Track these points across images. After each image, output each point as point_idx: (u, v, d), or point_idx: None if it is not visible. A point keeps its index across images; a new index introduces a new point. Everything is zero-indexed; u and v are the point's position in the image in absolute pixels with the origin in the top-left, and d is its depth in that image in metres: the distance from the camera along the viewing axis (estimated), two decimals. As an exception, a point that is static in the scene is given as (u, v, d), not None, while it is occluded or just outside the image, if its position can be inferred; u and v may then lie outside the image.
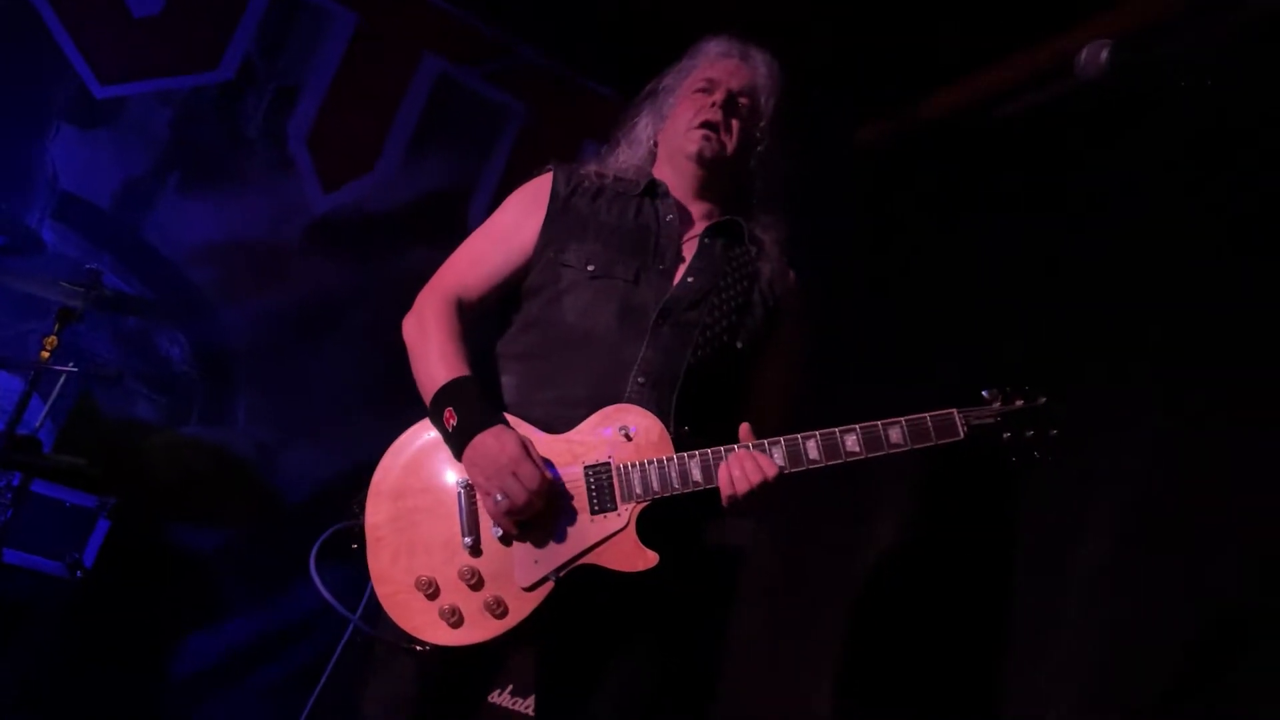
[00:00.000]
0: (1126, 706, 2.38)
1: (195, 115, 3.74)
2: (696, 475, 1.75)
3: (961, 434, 1.74)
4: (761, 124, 2.02)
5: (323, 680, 1.94)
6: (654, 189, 2.02)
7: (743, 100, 2.01)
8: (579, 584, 1.74)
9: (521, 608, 1.72)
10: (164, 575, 3.59)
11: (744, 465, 1.72)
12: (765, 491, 1.72)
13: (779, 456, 1.75)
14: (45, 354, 2.98)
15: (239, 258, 3.78)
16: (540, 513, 1.74)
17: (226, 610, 3.73)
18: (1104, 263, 2.74)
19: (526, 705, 3.13)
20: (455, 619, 1.71)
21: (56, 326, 3.00)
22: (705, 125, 1.97)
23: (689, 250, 1.97)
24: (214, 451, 3.75)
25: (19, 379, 3.08)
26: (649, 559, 1.73)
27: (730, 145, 1.99)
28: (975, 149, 3.33)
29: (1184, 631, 2.34)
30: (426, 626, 1.72)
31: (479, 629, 1.71)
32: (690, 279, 1.93)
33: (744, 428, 1.78)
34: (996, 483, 2.91)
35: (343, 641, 1.70)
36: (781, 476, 1.73)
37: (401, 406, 1.91)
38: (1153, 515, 2.51)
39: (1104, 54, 1.42)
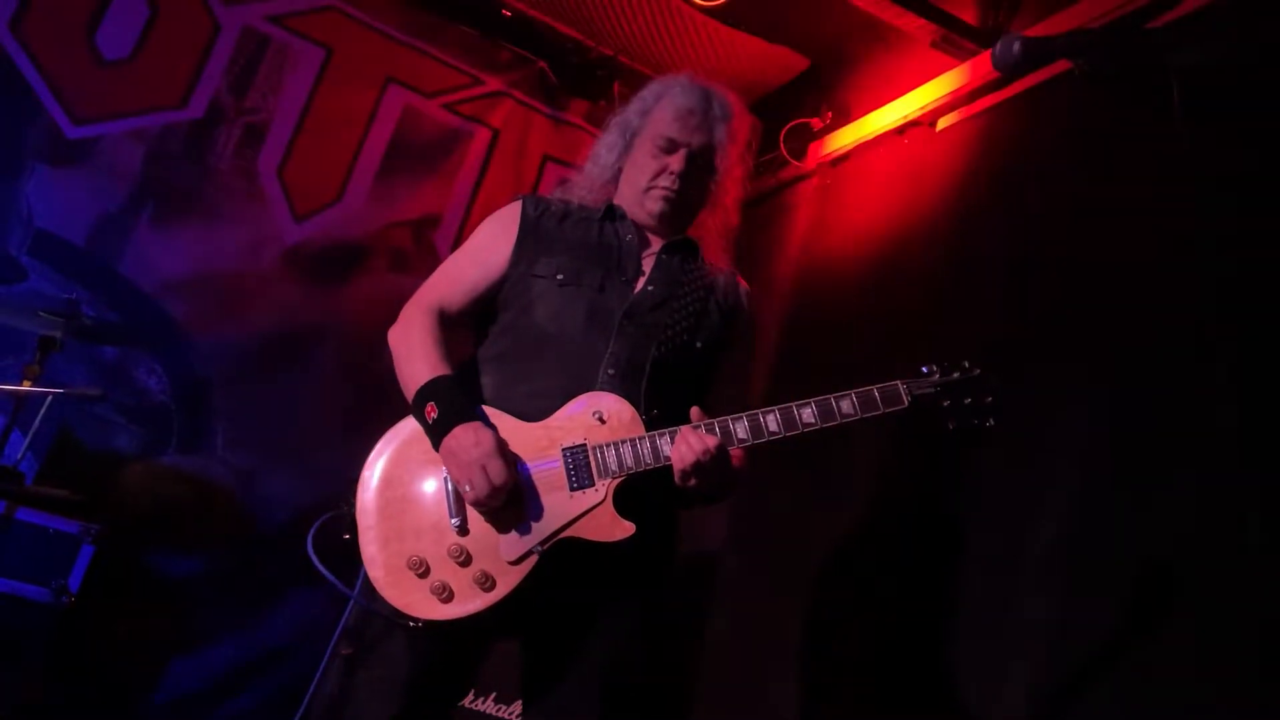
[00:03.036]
0: (1077, 684, 2.50)
1: (166, 152, 3.84)
2: (667, 451, 1.87)
3: (905, 402, 1.90)
4: (717, 177, 2.17)
5: (310, 691, 2.02)
6: (613, 213, 2.17)
7: (701, 159, 2.14)
8: (561, 556, 1.86)
9: (508, 580, 1.83)
10: (146, 601, 3.64)
11: (689, 440, 1.85)
12: (709, 464, 1.84)
13: (741, 430, 1.89)
14: (28, 383, 3.05)
15: (213, 289, 3.87)
16: (520, 495, 1.86)
17: (207, 635, 3.77)
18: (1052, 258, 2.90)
19: (511, 711, 3.22)
20: (446, 594, 1.82)
21: (38, 355, 3.07)
22: (665, 189, 2.12)
23: (648, 265, 2.12)
24: (192, 479, 3.82)
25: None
26: (626, 528, 1.85)
27: (688, 198, 2.14)
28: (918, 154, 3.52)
29: (1135, 608, 2.47)
30: (419, 603, 1.82)
31: (469, 602, 1.82)
32: (651, 288, 2.08)
33: (694, 410, 1.91)
34: (950, 468, 3.06)
35: (343, 621, 1.79)
36: (722, 449, 1.85)
37: (376, 429, 2.00)
38: (1104, 494, 2.65)
39: (1016, 46, 1.60)
